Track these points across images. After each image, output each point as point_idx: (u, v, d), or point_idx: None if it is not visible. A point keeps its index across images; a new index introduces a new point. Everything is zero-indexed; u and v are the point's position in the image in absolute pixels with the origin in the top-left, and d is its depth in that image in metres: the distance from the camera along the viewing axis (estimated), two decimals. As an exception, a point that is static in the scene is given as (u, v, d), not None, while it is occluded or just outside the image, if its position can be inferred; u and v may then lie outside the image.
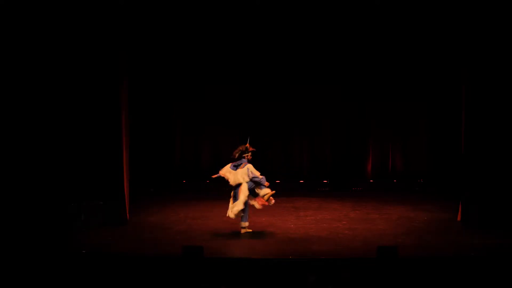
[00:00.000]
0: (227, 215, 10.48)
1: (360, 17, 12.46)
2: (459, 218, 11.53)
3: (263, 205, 10.53)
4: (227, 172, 10.42)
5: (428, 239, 10.26)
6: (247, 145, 10.63)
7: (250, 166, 10.39)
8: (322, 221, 11.67)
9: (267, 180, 10.46)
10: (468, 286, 8.29)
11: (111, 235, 10.52)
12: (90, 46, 11.26)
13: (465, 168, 11.40)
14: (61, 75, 11.42)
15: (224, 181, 10.50)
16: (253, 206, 10.57)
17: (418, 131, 15.54)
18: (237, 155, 10.53)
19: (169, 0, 11.71)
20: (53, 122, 11.47)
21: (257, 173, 10.41)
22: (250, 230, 10.57)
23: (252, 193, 10.48)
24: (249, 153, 10.61)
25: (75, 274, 8.51)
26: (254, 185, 10.45)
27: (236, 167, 10.45)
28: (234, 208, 10.28)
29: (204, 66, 14.89)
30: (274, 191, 10.52)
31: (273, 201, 10.60)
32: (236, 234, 10.64)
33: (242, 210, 10.35)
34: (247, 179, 10.30)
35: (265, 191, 10.45)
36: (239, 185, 10.34)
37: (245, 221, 10.54)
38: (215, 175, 10.59)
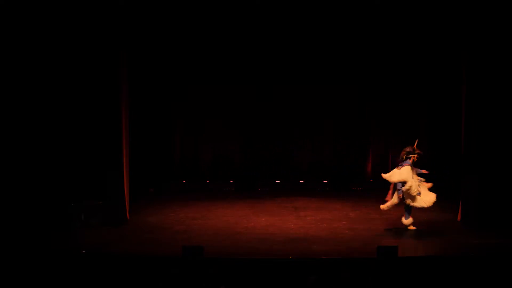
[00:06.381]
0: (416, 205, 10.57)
1: (360, 17, 12.44)
2: (459, 218, 11.55)
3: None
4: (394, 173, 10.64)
5: (428, 239, 10.27)
6: (415, 146, 10.77)
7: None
8: (322, 221, 11.68)
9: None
10: (468, 286, 8.29)
11: (111, 235, 10.52)
12: (90, 46, 11.26)
13: (465, 168, 11.41)
14: (62, 76, 11.43)
15: None
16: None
17: (418, 131, 15.52)
18: (404, 156, 10.70)
19: (169, 0, 11.71)
20: (54, 122, 11.48)
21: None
22: (415, 228, 10.75)
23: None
24: (415, 155, 10.70)
25: (75, 274, 8.51)
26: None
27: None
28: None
29: (205, 66, 14.85)
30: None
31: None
32: (236, 234, 10.65)
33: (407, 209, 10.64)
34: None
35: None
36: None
37: (409, 218, 10.73)
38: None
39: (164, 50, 14.16)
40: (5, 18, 11.03)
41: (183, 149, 15.78)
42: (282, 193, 14.76)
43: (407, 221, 10.81)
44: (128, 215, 11.67)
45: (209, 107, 15.43)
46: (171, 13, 11.92)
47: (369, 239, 10.20)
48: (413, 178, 10.60)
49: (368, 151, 15.79)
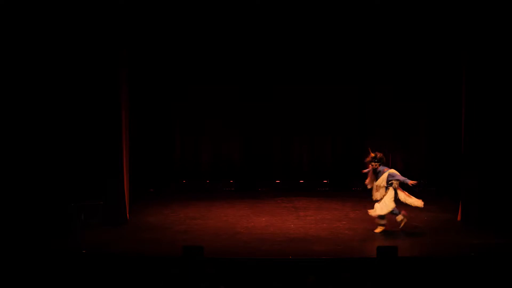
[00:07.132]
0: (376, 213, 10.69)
1: (360, 18, 12.44)
2: (459, 218, 11.55)
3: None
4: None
5: (428, 239, 10.27)
6: (371, 154, 11.14)
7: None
8: (322, 221, 11.68)
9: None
10: (468, 286, 8.29)
11: (111, 235, 10.53)
12: (90, 46, 11.27)
13: (465, 168, 11.41)
14: (62, 76, 11.44)
15: None
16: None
17: (418, 131, 15.52)
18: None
19: (169, 0, 11.72)
20: (54, 123, 11.48)
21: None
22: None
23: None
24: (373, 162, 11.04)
25: (75, 274, 8.51)
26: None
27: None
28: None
29: (205, 66, 14.86)
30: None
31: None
32: (236, 234, 10.65)
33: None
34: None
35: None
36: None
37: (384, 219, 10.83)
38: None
39: (164, 50, 14.16)
40: (5, 17, 11.03)
41: (183, 149, 15.76)
42: (282, 193, 14.76)
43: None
44: (128, 215, 11.68)
45: (209, 107, 15.41)
46: (171, 13, 11.92)
47: (369, 239, 10.20)
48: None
49: (368, 151, 15.75)
